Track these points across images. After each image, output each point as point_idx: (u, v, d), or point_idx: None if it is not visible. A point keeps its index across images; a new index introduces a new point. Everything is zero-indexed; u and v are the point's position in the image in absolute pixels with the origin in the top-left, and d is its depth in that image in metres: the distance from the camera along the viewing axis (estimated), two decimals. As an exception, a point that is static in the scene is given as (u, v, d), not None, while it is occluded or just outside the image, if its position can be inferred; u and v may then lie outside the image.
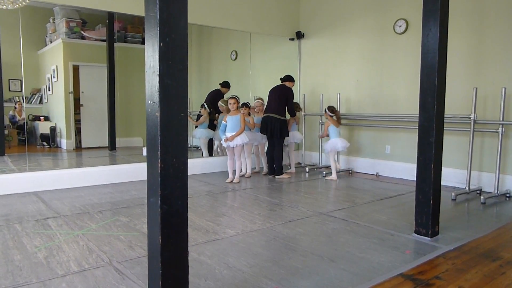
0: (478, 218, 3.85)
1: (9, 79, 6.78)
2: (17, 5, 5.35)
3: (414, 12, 5.47)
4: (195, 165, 6.09)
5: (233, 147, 5.47)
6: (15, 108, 7.21)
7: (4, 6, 5.26)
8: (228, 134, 5.44)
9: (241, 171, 5.71)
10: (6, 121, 6.92)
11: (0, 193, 4.54)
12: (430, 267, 2.56)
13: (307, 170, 6.32)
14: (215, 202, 4.36)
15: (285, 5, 7.00)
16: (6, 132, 6.87)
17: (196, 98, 7.96)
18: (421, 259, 2.69)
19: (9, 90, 6.90)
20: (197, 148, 7.29)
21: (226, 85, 6.93)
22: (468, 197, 4.61)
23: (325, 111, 5.80)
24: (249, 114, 5.97)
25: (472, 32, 4.94)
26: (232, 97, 5.49)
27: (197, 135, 6.73)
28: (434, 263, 2.64)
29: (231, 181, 5.46)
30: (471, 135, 4.66)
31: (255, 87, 7.44)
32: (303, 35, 7.14)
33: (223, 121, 5.63)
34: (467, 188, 4.69)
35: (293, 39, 7.21)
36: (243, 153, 5.74)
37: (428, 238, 3.10)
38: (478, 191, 4.75)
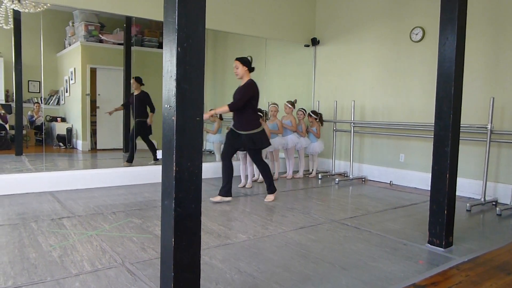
0: (493, 230, 3.78)
1: (28, 81, 6.93)
2: (38, 9, 5.49)
3: (431, 20, 5.43)
4: (208, 169, 6.12)
5: (246, 152, 5.48)
6: (34, 109, 7.36)
7: (27, 10, 5.39)
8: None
9: (253, 176, 5.72)
10: (25, 122, 7.07)
11: (17, 192, 4.63)
12: (443, 278, 2.53)
13: (319, 177, 6.29)
14: (227, 206, 4.37)
15: (300, 12, 7.02)
16: (24, 132, 7.01)
17: (210, 103, 8.01)
18: (434, 270, 2.65)
19: (28, 91, 7.05)
20: (210, 152, 7.33)
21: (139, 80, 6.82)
22: (484, 208, 4.53)
23: (310, 114, 6.39)
24: (265, 121, 5.97)
25: (489, 41, 4.88)
26: None
27: (211, 140, 6.81)
28: (447, 274, 2.60)
29: (244, 186, 5.47)
30: (488, 146, 4.59)
31: (270, 92, 7.46)
32: (318, 42, 7.14)
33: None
34: (482, 199, 4.61)
35: (308, 46, 7.22)
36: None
37: (442, 249, 3.06)
38: (493, 203, 4.67)
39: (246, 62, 4.56)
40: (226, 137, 4.77)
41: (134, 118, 6.79)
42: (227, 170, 4.58)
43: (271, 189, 4.68)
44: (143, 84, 6.82)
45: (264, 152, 6.10)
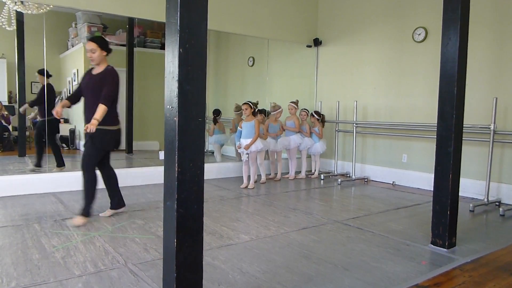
0: (496, 230, 3.77)
1: (31, 82, 6.95)
2: (41, 10, 5.51)
3: (434, 21, 5.42)
4: (211, 170, 6.12)
5: (248, 153, 5.48)
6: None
7: (29, 11, 5.41)
8: (243, 140, 5.46)
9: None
10: (28, 123, 7.09)
11: (20, 193, 4.64)
12: (446, 278, 2.52)
13: (322, 178, 6.29)
14: (230, 207, 4.38)
15: (303, 12, 7.02)
16: (27, 133, 7.03)
17: (212, 103, 8.01)
18: (437, 271, 2.65)
19: (31, 93, 7.07)
20: (212, 153, 7.34)
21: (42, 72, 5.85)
22: (487, 209, 4.52)
23: (312, 114, 6.36)
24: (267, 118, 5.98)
25: (492, 41, 4.87)
26: (245, 103, 5.49)
27: (212, 141, 6.88)
28: (450, 275, 2.59)
29: (246, 187, 5.47)
30: (491, 146, 4.57)
31: (272, 93, 7.46)
32: (320, 42, 7.14)
33: (239, 127, 5.66)
34: (485, 200, 4.59)
35: (310, 46, 7.21)
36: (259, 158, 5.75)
37: (445, 250, 3.05)
38: (497, 203, 4.65)
39: (105, 45, 3.69)
40: (85, 141, 3.75)
41: (40, 116, 5.89)
42: (88, 184, 3.66)
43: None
44: (50, 76, 5.90)
45: (267, 152, 6.11)
